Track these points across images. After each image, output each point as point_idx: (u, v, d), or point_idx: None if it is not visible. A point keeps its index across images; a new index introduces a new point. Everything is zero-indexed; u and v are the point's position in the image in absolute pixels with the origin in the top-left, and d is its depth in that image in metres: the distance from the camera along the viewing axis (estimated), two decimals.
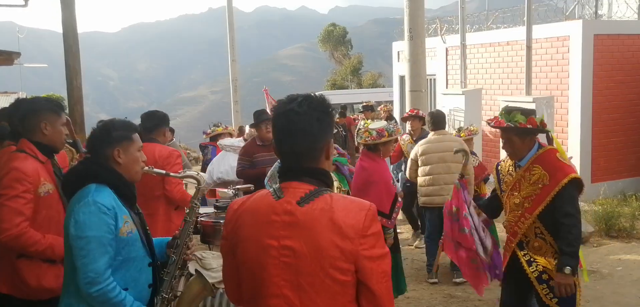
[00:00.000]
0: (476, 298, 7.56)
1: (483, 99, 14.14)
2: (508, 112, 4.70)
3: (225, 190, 8.61)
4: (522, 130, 4.64)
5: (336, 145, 10.05)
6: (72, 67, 9.20)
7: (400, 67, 18.45)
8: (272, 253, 2.42)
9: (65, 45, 9.15)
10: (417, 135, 9.25)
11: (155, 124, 5.89)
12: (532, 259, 4.73)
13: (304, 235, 2.39)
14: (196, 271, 4.65)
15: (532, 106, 11.18)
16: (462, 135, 8.84)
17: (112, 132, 3.50)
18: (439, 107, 14.58)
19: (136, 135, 3.64)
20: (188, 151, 16.21)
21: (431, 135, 8.13)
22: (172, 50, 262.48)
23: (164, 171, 4.24)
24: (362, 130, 6.46)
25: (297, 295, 2.41)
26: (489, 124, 4.93)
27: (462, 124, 12.15)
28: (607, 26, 13.44)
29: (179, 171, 5.30)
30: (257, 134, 7.88)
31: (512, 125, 4.64)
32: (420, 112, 9.89)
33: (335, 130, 14.62)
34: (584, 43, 12.53)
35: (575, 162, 12.43)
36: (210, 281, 4.80)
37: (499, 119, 4.71)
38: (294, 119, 2.47)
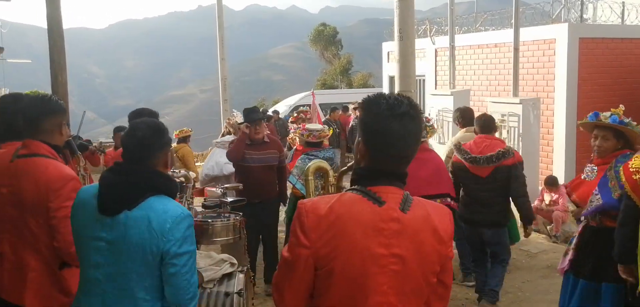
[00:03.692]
0: (463, 297, 7.72)
1: (471, 100, 14.25)
2: None
3: (214, 189, 8.69)
4: None
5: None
6: (57, 63, 9.03)
7: (390, 68, 18.59)
8: (381, 262, 2.38)
9: (50, 40, 8.95)
10: None
11: None
12: None
13: (412, 243, 2.40)
14: None
15: (519, 108, 11.41)
16: None
17: (164, 135, 3.30)
18: (428, 107, 14.74)
19: None
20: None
21: (464, 133, 8.32)
22: (161, 48, 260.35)
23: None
24: None
25: (400, 300, 2.42)
26: None
27: (450, 125, 12.38)
28: (592, 30, 13.63)
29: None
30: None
31: None
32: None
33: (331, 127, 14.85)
34: (569, 46, 12.71)
35: (561, 164, 12.68)
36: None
37: None
38: (411, 125, 2.41)
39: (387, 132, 2.39)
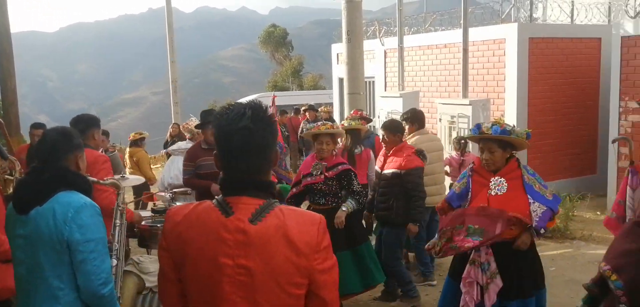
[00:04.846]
0: (434, 301, 7.52)
1: (421, 101, 14.21)
2: None
3: (162, 193, 8.48)
4: None
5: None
6: (6, 69, 9.12)
7: (340, 69, 18.43)
8: (226, 271, 2.37)
9: None
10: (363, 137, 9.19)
11: (82, 128, 5.57)
12: None
13: (259, 254, 2.37)
14: (125, 270, 4.74)
15: (468, 109, 11.27)
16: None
17: (74, 139, 3.59)
18: (377, 109, 14.58)
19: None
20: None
21: (419, 136, 8.00)
22: (113, 51, 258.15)
23: (94, 179, 4.21)
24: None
25: None
26: None
27: None
28: (542, 29, 13.68)
29: (104, 178, 5.12)
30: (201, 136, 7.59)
31: None
32: (364, 113, 9.84)
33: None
34: (519, 46, 12.70)
35: None
36: (148, 285, 4.81)
37: None
38: (249, 138, 2.41)
39: (228, 147, 2.44)
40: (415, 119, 8.14)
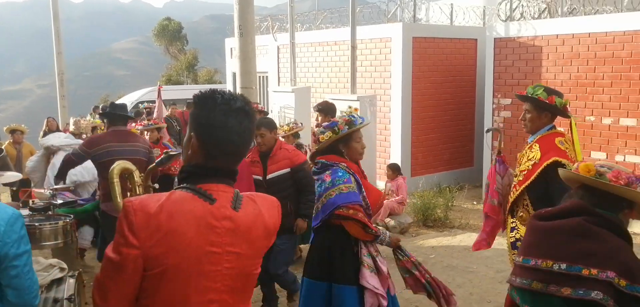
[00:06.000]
0: None
1: (312, 96, 14.49)
2: (533, 87, 4.89)
3: (42, 190, 8.11)
4: (537, 103, 4.81)
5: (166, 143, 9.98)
6: None
7: (233, 64, 18.56)
8: (214, 259, 2.32)
9: None
10: None
11: None
12: (515, 227, 5.00)
13: (245, 241, 2.39)
14: None
15: (356, 104, 11.68)
16: (285, 129, 8.93)
17: None
18: (270, 104, 14.84)
19: None
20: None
21: None
22: None
23: None
24: None
25: (233, 297, 2.41)
26: (517, 96, 5.19)
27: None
28: (425, 29, 14.25)
29: None
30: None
31: (530, 96, 4.84)
32: (261, 107, 10.09)
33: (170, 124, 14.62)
34: (404, 45, 13.25)
35: (397, 157, 13.17)
36: None
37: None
38: (246, 121, 2.39)
39: (224, 128, 2.33)
40: (328, 110, 8.56)
